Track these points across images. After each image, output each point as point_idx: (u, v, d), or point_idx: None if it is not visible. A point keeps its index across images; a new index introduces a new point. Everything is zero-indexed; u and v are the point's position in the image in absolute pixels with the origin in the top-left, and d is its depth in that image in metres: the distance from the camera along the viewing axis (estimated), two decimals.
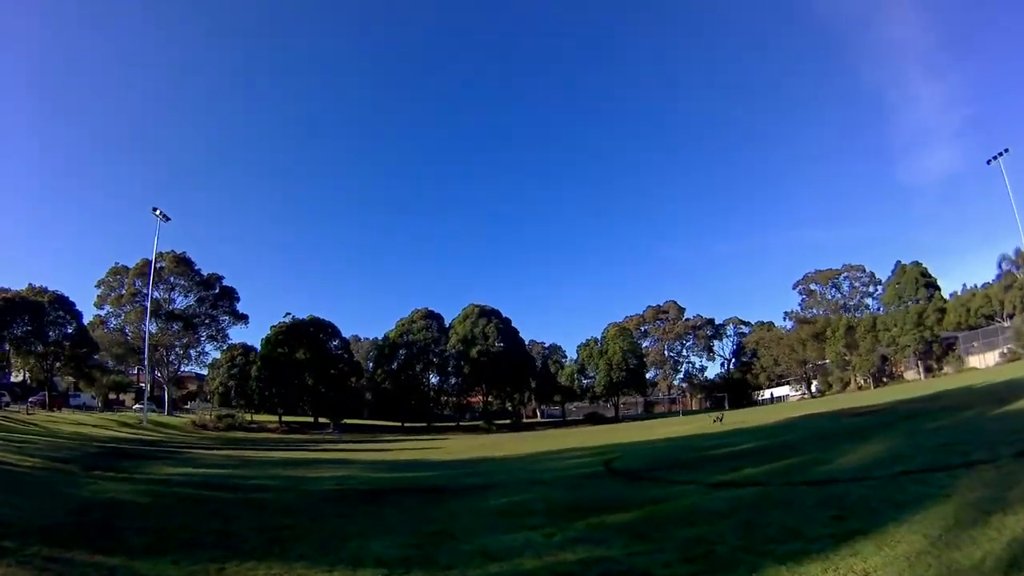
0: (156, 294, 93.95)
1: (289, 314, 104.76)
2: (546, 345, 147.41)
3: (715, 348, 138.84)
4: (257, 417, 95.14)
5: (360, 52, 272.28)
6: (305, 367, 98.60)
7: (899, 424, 22.52)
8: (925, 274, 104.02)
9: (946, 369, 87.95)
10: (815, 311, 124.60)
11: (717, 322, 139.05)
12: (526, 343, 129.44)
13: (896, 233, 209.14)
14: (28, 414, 62.40)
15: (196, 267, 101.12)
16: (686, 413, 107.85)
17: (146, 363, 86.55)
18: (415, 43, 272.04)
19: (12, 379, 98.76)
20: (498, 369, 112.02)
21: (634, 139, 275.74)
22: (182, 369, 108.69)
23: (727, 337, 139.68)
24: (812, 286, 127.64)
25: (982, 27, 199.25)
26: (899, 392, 51.69)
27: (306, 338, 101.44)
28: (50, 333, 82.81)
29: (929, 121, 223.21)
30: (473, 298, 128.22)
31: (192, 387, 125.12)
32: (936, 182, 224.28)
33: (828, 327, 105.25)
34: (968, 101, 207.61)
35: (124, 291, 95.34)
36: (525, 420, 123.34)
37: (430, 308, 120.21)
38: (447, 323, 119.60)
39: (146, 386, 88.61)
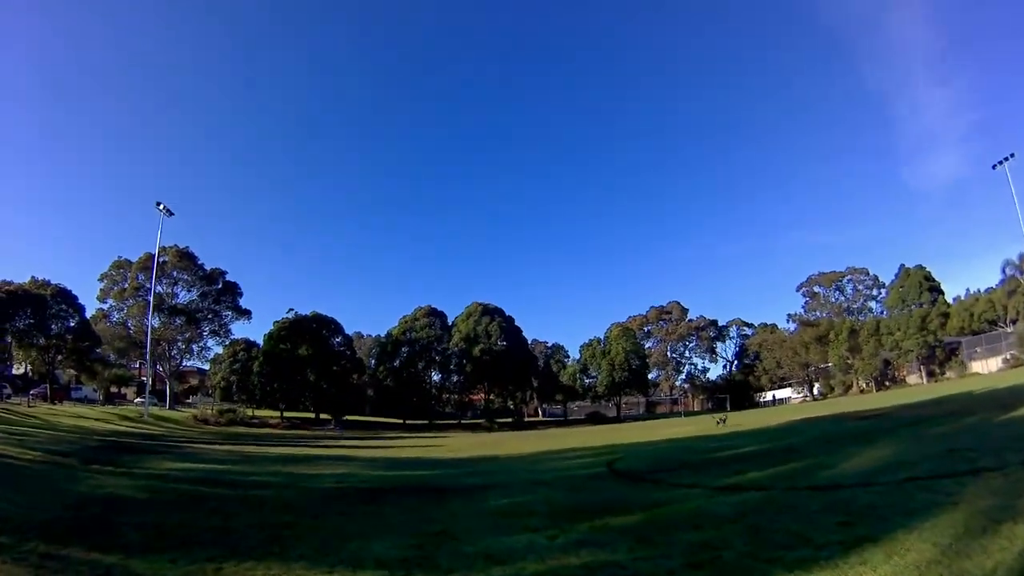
0: (159, 288, 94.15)
1: (292, 310, 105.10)
2: (549, 344, 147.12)
3: (718, 350, 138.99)
4: (259, 412, 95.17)
5: (364, 51, 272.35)
6: (307, 363, 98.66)
7: (903, 429, 22.43)
8: (929, 278, 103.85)
9: (949, 374, 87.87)
10: (818, 313, 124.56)
11: (720, 323, 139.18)
12: (529, 342, 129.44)
13: (900, 236, 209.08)
14: (29, 407, 62.52)
15: (199, 262, 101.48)
16: (688, 414, 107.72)
17: (148, 357, 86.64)
18: (419, 44, 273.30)
19: (14, 371, 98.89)
20: (500, 368, 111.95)
21: (639, 139, 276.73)
22: (184, 363, 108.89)
23: (730, 339, 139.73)
24: (816, 288, 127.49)
25: (989, 32, 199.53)
26: (902, 396, 51.51)
27: (309, 334, 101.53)
28: (52, 326, 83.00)
29: (935, 125, 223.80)
30: (476, 297, 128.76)
31: (194, 381, 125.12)
32: (941, 186, 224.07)
33: (831, 330, 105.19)
34: (974, 106, 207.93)
35: (127, 285, 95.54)
36: (527, 419, 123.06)
37: (433, 306, 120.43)
38: (450, 321, 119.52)
39: (147, 380, 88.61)
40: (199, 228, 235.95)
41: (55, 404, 72.34)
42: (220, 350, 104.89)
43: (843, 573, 6.27)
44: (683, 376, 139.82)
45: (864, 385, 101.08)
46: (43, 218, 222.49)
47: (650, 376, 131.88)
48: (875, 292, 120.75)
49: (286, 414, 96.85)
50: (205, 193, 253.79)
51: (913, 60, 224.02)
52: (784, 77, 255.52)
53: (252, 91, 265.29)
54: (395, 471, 24.92)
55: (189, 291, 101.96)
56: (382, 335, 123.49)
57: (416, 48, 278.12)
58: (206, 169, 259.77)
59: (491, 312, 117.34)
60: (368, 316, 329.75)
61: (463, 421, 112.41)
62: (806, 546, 7.47)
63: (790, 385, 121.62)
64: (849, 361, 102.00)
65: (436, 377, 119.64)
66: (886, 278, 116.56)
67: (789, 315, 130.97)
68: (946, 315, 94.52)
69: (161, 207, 78.65)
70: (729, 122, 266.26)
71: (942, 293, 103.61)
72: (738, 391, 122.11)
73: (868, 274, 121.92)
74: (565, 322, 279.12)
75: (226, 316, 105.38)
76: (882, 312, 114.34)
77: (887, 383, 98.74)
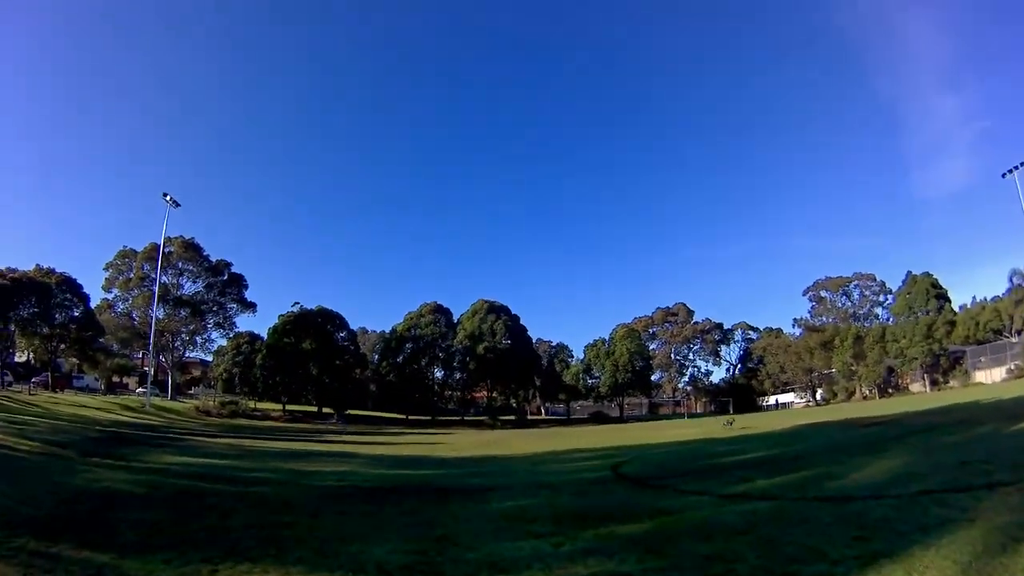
0: (164, 279, 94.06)
1: (297, 303, 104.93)
2: (553, 344, 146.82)
3: (722, 353, 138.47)
4: (261, 405, 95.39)
5: (382, 42, 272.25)
6: (311, 357, 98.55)
7: (912, 438, 22.12)
8: (936, 286, 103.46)
9: (952, 383, 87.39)
10: (824, 318, 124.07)
11: (725, 326, 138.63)
12: (533, 341, 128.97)
13: (907, 243, 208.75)
14: (31, 395, 62.62)
15: (205, 253, 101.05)
16: (691, 416, 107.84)
17: (151, 348, 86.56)
18: (435, 32, 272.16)
19: (16, 359, 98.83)
20: (504, 366, 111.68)
21: (649, 140, 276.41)
22: (187, 355, 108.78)
23: (735, 342, 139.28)
24: (822, 293, 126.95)
25: (1000, 41, 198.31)
26: (906, 404, 51.20)
27: (313, 328, 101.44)
28: (56, 315, 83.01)
29: (944, 133, 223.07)
30: (482, 294, 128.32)
31: (196, 373, 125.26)
32: (949, 194, 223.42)
33: (836, 336, 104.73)
34: (983, 114, 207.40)
35: (132, 275, 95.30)
36: (529, 417, 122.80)
37: (439, 303, 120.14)
38: (455, 318, 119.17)
39: (150, 371, 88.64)
40: (206, 224, 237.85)
41: (56, 392, 72.54)
42: (224, 342, 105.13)
43: None
44: (686, 378, 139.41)
45: (867, 392, 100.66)
46: (49, 207, 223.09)
47: (653, 378, 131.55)
48: (882, 298, 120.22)
49: (288, 407, 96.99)
50: (215, 187, 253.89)
51: (924, 67, 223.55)
52: (794, 80, 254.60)
53: (256, 90, 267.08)
54: (396, 469, 24.71)
55: (194, 282, 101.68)
56: (387, 331, 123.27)
57: (422, 44, 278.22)
58: (215, 165, 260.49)
59: (496, 310, 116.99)
60: (373, 312, 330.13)
61: (466, 418, 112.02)
62: (821, 561, 7.23)
63: (793, 390, 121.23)
64: (853, 367, 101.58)
65: (439, 374, 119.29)
66: (893, 284, 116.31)
67: (795, 320, 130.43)
68: (952, 323, 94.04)
69: (167, 198, 78.73)
70: (738, 124, 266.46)
71: (948, 301, 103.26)
72: (741, 395, 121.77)
73: (875, 280, 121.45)
74: (570, 322, 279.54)
75: (231, 308, 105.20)
76: (888, 318, 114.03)
77: (890, 390, 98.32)
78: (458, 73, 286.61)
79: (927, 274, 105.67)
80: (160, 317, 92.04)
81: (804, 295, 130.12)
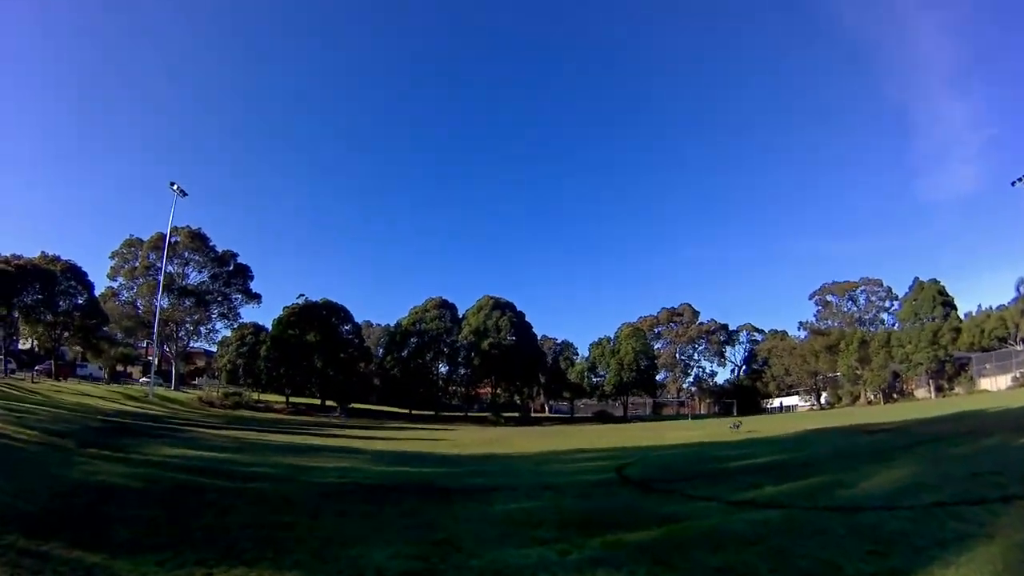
0: (170, 268, 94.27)
1: (303, 295, 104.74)
2: (558, 341, 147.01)
3: (727, 354, 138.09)
4: (264, 396, 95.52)
5: (387, 42, 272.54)
6: (315, 349, 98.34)
7: (920, 447, 21.87)
8: (943, 292, 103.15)
9: (957, 389, 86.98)
10: (830, 322, 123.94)
11: (731, 328, 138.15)
12: (538, 338, 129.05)
13: (914, 249, 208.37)
14: (33, 382, 62.57)
15: (211, 243, 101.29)
16: (694, 417, 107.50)
17: (155, 337, 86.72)
18: (436, 32, 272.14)
19: (19, 346, 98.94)
20: (509, 362, 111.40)
21: (657, 140, 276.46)
22: (191, 345, 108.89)
23: (739, 343, 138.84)
24: (828, 297, 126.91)
25: (1008, 48, 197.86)
26: (911, 411, 50.81)
27: (318, 321, 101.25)
28: (60, 303, 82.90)
29: (952, 138, 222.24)
30: (488, 290, 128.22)
31: (200, 363, 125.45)
32: (956, 200, 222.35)
33: (842, 340, 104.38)
34: (992, 121, 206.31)
35: (138, 264, 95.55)
36: (533, 414, 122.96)
37: (444, 298, 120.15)
38: (460, 313, 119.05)
39: (154, 360, 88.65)
40: (213, 215, 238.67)
41: (59, 381, 72.52)
42: (228, 333, 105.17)
43: None
44: (691, 379, 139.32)
45: (872, 397, 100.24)
46: (56, 194, 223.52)
47: (658, 378, 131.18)
48: (888, 304, 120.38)
49: (291, 399, 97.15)
50: (220, 183, 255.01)
51: (934, 71, 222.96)
52: (803, 82, 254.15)
53: (262, 85, 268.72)
54: (399, 466, 24.48)
55: (200, 272, 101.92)
56: (392, 325, 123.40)
57: (423, 44, 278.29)
58: (220, 157, 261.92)
59: (502, 306, 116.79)
60: (379, 305, 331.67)
61: (469, 414, 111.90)
62: None
63: (797, 393, 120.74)
64: (858, 372, 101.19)
65: (444, 369, 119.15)
66: (899, 290, 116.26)
67: (801, 323, 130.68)
68: (957, 330, 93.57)
69: (175, 187, 78.67)
70: (744, 125, 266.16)
71: (955, 308, 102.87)
72: (745, 396, 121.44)
73: (882, 285, 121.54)
74: (575, 320, 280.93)
75: (236, 299, 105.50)
76: (894, 324, 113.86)
77: (895, 396, 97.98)
78: (458, 73, 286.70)
79: (934, 281, 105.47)
80: (165, 307, 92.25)
81: (810, 299, 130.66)
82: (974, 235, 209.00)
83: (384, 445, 37.41)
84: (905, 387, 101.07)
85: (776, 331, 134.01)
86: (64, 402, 46.02)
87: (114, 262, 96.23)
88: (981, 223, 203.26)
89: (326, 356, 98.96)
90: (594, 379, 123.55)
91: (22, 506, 10.93)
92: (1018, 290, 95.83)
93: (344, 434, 47.90)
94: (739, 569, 7.50)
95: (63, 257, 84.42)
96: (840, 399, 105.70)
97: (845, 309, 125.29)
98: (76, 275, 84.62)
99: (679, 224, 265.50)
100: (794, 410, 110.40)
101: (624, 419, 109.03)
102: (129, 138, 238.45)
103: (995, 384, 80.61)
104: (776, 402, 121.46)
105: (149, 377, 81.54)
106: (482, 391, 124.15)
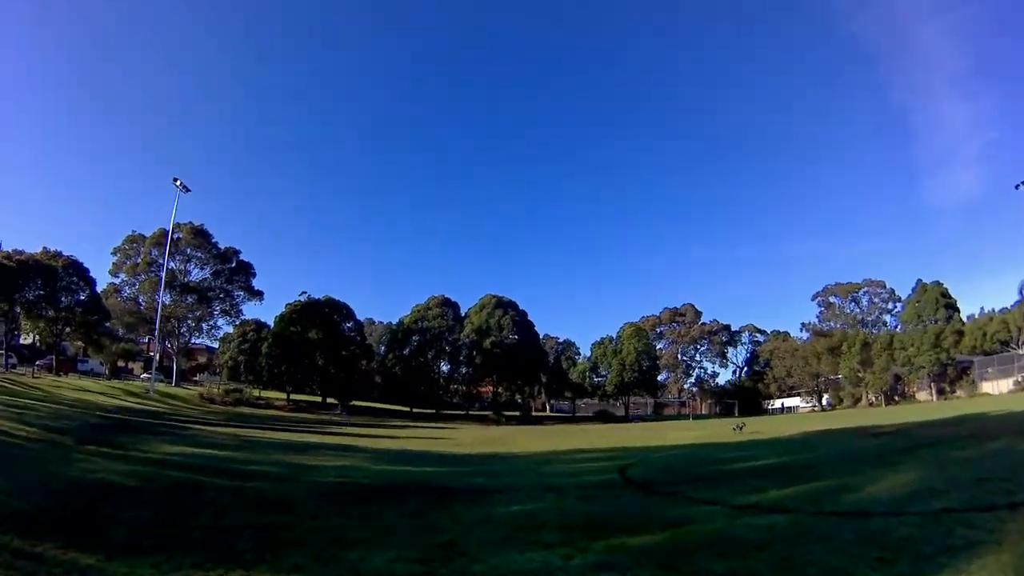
0: (172, 265, 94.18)
1: (305, 292, 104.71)
2: (560, 340, 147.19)
3: (728, 355, 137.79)
4: (265, 393, 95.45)
5: (388, 42, 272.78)
6: (317, 347, 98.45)
7: (924, 450, 21.68)
8: (946, 295, 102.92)
9: (959, 392, 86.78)
10: (832, 324, 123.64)
11: (733, 328, 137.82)
12: (540, 337, 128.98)
13: (916, 251, 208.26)
14: (34, 377, 62.56)
15: (213, 240, 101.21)
16: (695, 417, 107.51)
17: (157, 334, 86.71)
18: (451, 29, 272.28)
19: (21, 341, 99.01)
20: (511, 361, 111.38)
21: (661, 140, 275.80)
22: (193, 341, 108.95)
23: (741, 344, 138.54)
24: (831, 299, 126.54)
25: (1011, 53, 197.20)
26: (913, 413, 50.69)
27: (320, 318, 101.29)
28: (62, 298, 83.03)
29: (955, 141, 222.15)
30: (491, 289, 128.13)
31: (202, 359, 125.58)
32: (959, 203, 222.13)
33: (844, 341, 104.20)
34: (995, 125, 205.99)
35: (140, 260, 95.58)
36: (534, 413, 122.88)
37: (447, 296, 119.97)
38: (463, 312, 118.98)
39: (155, 356, 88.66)
40: (216, 212, 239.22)
41: (60, 376, 72.50)
42: (230, 329, 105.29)
43: None
44: (692, 379, 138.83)
45: (873, 399, 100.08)
46: (58, 190, 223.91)
47: (659, 378, 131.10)
48: (891, 306, 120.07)
49: (293, 397, 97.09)
50: (223, 180, 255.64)
51: (937, 75, 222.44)
52: (806, 83, 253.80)
53: (265, 83, 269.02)
54: (400, 465, 24.37)
55: (202, 269, 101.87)
56: (394, 323, 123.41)
57: (424, 44, 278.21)
58: (224, 154, 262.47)
59: (504, 305, 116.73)
60: (381, 303, 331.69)
61: (470, 412, 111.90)
62: None
63: (798, 394, 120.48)
64: (860, 374, 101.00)
65: (445, 367, 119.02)
66: (902, 292, 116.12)
67: (803, 324, 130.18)
68: (960, 333, 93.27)
69: (178, 183, 78.66)
70: (749, 126, 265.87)
71: (957, 310, 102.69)
72: (747, 397, 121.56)
73: (884, 287, 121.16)
74: (578, 319, 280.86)
75: (238, 296, 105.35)
76: (896, 326, 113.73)
77: (896, 398, 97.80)
78: (458, 73, 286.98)
79: (937, 283, 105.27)
80: (167, 303, 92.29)
81: (813, 300, 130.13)
82: (977, 238, 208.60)
83: (385, 443, 37.41)
84: (907, 390, 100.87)
85: (778, 332, 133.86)
86: (64, 398, 46.01)
87: (116, 258, 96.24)
88: (984, 226, 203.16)
89: (328, 353, 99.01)
90: (596, 379, 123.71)
91: (17, 505, 10.81)
92: (1021, 293, 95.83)
93: (345, 432, 47.81)
94: None
95: (65, 253, 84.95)
96: (841, 401, 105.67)
97: (848, 311, 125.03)
98: (78, 271, 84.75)
99: (682, 224, 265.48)
100: (795, 411, 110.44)
101: (625, 419, 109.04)
102: (131, 135, 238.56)
103: (997, 388, 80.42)
104: (777, 403, 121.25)
105: (150, 373, 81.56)
106: (483, 390, 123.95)
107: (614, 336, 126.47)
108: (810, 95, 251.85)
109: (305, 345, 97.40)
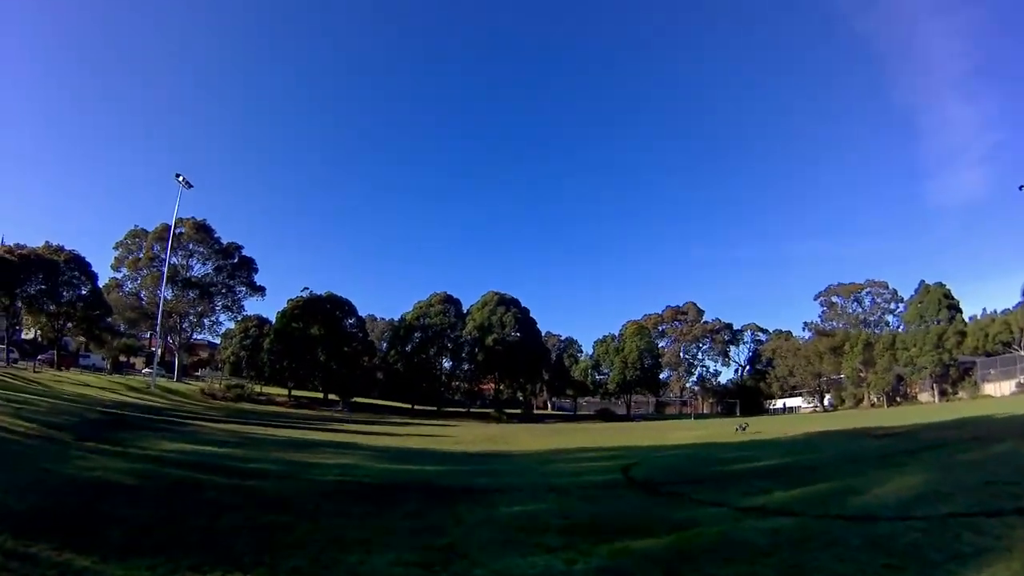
0: (174, 260, 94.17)
1: (307, 288, 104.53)
2: (562, 338, 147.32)
3: (731, 353, 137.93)
4: (267, 389, 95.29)
5: (390, 42, 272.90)
6: (319, 343, 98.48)
7: (928, 453, 21.49)
8: (948, 296, 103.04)
9: (961, 394, 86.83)
10: (835, 324, 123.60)
11: (735, 327, 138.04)
12: (542, 335, 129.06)
13: (919, 252, 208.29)
14: (35, 372, 62.52)
15: (216, 235, 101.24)
16: (697, 417, 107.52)
17: (158, 329, 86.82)
18: (451, 29, 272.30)
19: (22, 336, 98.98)
20: (513, 359, 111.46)
21: (663, 140, 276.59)
22: (194, 337, 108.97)
23: (744, 343, 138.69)
24: (834, 299, 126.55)
25: (1015, 54, 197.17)
26: (916, 414, 50.51)
27: (322, 314, 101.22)
28: (64, 293, 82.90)
29: (959, 142, 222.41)
30: (493, 286, 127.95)
31: (203, 355, 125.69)
32: (962, 204, 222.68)
33: (847, 341, 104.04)
34: (998, 126, 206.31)
35: (142, 255, 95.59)
36: (536, 411, 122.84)
37: (449, 293, 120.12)
38: (465, 309, 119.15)
39: (156, 352, 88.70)
40: (218, 207, 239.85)
41: (61, 371, 72.54)
42: (232, 325, 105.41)
43: None
44: (694, 378, 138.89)
45: (875, 399, 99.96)
46: (61, 185, 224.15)
47: (661, 376, 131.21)
48: (893, 306, 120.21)
49: (294, 393, 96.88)
50: (226, 175, 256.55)
51: (942, 75, 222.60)
52: (810, 83, 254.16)
53: (269, 80, 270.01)
54: (401, 464, 24.21)
55: (204, 264, 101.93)
56: (396, 319, 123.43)
57: (444, 36, 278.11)
58: (227, 150, 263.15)
59: (507, 302, 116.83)
60: (383, 300, 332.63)
61: (472, 410, 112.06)
62: None
63: (800, 394, 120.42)
64: (862, 374, 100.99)
65: (447, 364, 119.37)
66: (905, 292, 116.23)
67: (805, 323, 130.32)
68: (962, 334, 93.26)
69: (180, 178, 78.71)
70: (752, 126, 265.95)
71: (960, 311, 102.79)
72: (749, 397, 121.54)
73: (887, 287, 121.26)
74: (580, 317, 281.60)
75: (240, 291, 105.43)
76: (899, 326, 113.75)
77: (898, 399, 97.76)
78: (458, 73, 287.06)
79: (940, 284, 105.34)
80: (168, 298, 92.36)
81: (815, 299, 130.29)
82: (980, 239, 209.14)
83: (386, 441, 37.30)
84: (909, 391, 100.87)
85: (781, 331, 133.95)
86: (64, 393, 45.95)
87: (118, 253, 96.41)
88: (987, 227, 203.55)
89: (329, 350, 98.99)
90: (598, 377, 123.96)
91: (12, 504, 10.66)
92: (1023, 294, 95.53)
93: (346, 429, 47.65)
94: None
95: (67, 247, 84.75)
96: (843, 401, 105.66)
97: (850, 311, 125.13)
98: (80, 265, 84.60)
99: (683, 224, 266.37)
100: (797, 411, 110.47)
101: (627, 417, 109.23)
102: (134, 130, 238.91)
103: (999, 389, 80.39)
104: (779, 403, 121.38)
105: (151, 368, 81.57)
106: (485, 387, 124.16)
107: (616, 334, 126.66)
108: (811, 95, 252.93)
109: (307, 341, 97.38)
